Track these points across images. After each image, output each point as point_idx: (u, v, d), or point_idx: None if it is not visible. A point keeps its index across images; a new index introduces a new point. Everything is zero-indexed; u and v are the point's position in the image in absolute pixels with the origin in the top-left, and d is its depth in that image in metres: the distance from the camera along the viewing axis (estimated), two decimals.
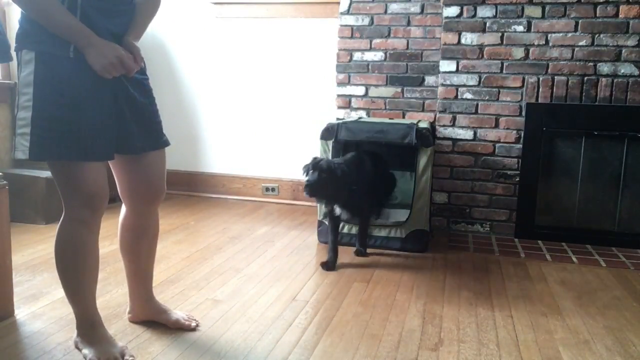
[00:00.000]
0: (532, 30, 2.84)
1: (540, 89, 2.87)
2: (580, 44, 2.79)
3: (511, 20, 2.86)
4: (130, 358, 1.53)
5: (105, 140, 1.44)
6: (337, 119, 3.25)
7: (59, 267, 1.51)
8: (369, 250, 2.64)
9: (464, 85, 2.97)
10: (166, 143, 1.64)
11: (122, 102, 1.48)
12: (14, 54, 1.45)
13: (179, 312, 1.81)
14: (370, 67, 3.37)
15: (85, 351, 1.53)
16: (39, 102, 1.34)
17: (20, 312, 1.85)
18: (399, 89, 3.35)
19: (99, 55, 1.36)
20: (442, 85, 3.01)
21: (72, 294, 1.53)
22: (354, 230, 2.72)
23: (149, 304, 1.78)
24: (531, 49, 2.85)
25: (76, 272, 1.50)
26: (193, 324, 1.77)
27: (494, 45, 2.90)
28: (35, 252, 2.50)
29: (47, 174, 3.00)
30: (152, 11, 1.59)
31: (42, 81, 1.34)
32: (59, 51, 1.35)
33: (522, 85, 2.89)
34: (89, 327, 1.56)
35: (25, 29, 1.37)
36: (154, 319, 1.77)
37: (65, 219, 1.47)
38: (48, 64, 1.34)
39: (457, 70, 2.97)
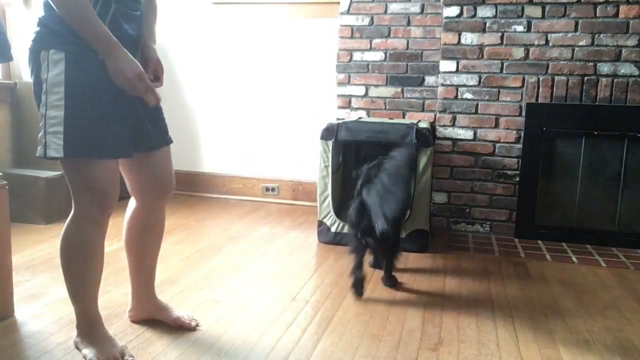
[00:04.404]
0: (532, 30, 2.84)
1: (540, 89, 2.87)
2: (580, 44, 2.79)
3: (511, 20, 2.86)
4: (130, 358, 1.53)
5: (127, 138, 1.47)
6: (337, 119, 3.25)
7: (64, 265, 1.51)
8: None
9: (464, 85, 2.97)
10: (171, 140, 1.68)
11: (137, 100, 1.50)
12: (14, 53, 1.45)
13: (180, 311, 1.81)
14: (370, 67, 3.37)
15: (85, 351, 1.53)
16: (70, 101, 1.36)
17: (20, 312, 1.85)
18: (399, 89, 3.35)
19: (119, 69, 1.38)
20: (442, 85, 3.01)
21: (74, 292, 1.54)
22: None
23: (151, 302, 1.79)
24: (531, 49, 2.86)
25: (81, 271, 1.51)
26: (193, 323, 1.77)
27: (494, 45, 2.90)
28: (35, 252, 2.50)
29: (47, 173, 3.00)
30: (155, 14, 1.64)
31: (73, 81, 1.36)
32: (88, 52, 1.37)
33: (522, 85, 2.89)
34: (89, 327, 1.56)
35: (52, 28, 1.38)
36: (155, 316, 1.78)
37: (75, 217, 1.48)
38: (78, 64, 1.37)
39: (457, 70, 2.97)
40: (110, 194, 1.46)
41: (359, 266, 2.10)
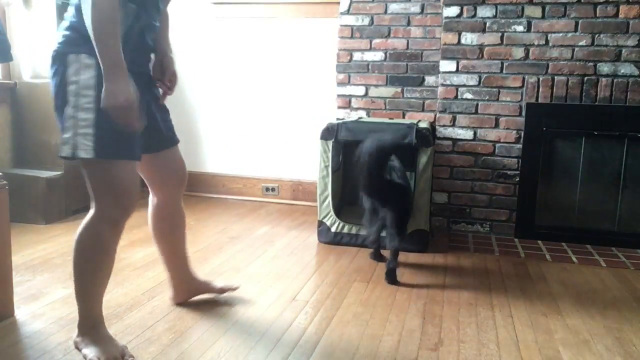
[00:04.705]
0: (532, 30, 2.84)
1: (540, 89, 2.87)
2: (580, 44, 2.79)
3: (511, 20, 2.86)
4: (130, 358, 1.53)
5: (140, 141, 1.54)
6: (337, 119, 3.25)
7: (76, 263, 1.53)
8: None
9: (464, 85, 2.97)
10: (178, 139, 1.79)
11: (152, 106, 1.62)
12: (14, 53, 1.46)
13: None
14: (370, 67, 3.38)
15: (86, 351, 1.53)
16: (100, 105, 1.39)
17: (20, 312, 1.85)
18: (399, 89, 3.35)
19: (113, 94, 1.36)
20: (442, 85, 3.01)
21: (82, 291, 1.56)
22: (354, 230, 2.73)
23: (193, 281, 1.95)
24: (531, 49, 2.86)
25: (94, 271, 1.54)
26: (235, 285, 2.05)
27: (494, 45, 2.90)
28: (35, 252, 2.50)
29: (47, 173, 3.00)
30: (168, 24, 1.77)
31: (102, 85, 1.39)
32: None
33: (522, 85, 2.89)
34: (92, 326, 1.57)
35: (84, 34, 1.40)
36: (199, 292, 1.98)
37: (94, 217, 1.50)
38: None
39: (457, 70, 2.97)
40: (132, 196, 1.51)
41: (376, 252, 2.52)
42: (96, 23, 1.34)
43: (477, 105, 2.97)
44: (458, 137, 3.02)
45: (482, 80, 2.94)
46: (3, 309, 1.79)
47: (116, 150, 1.44)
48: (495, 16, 2.88)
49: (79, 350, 1.56)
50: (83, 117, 1.40)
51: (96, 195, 1.49)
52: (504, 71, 2.91)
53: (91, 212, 1.50)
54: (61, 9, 3.00)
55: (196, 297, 2.03)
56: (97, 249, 1.52)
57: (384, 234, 2.67)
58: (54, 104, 1.45)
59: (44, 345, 1.63)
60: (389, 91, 3.37)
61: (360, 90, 3.41)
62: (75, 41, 1.42)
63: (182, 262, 1.92)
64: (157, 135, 1.66)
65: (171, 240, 1.86)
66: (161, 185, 1.77)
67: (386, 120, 3.04)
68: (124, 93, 1.36)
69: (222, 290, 2.02)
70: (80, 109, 1.40)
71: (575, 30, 2.79)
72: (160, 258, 1.90)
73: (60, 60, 1.43)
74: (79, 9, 1.41)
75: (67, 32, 1.44)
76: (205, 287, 2.00)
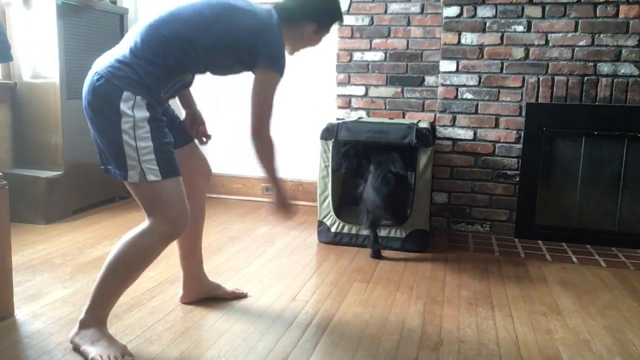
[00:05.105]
0: (532, 30, 2.84)
1: (540, 89, 2.87)
2: (580, 44, 2.79)
3: (511, 20, 2.86)
4: (130, 358, 1.54)
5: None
6: (337, 119, 3.25)
7: (115, 265, 1.56)
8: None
9: (464, 85, 2.97)
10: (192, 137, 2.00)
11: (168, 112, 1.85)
12: (14, 53, 1.46)
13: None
14: (370, 67, 3.38)
15: (87, 349, 1.54)
16: (154, 133, 1.55)
17: (20, 312, 1.85)
18: (399, 89, 3.35)
19: (282, 197, 1.85)
20: (442, 85, 3.01)
21: (107, 291, 1.59)
22: (354, 230, 2.73)
23: (204, 281, 2.00)
24: (531, 49, 2.85)
25: (128, 276, 1.59)
26: (245, 291, 2.08)
27: (494, 45, 2.90)
28: (35, 252, 2.50)
29: (47, 173, 3.00)
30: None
31: (152, 119, 1.56)
32: (155, 102, 1.59)
33: (522, 85, 2.89)
34: (96, 325, 1.58)
35: (144, 80, 1.53)
36: (210, 294, 2.00)
37: (149, 229, 1.56)
38: (153, 108, 1.57)
39: (457, 70, 2.97)
40: (187, 214, 1.60)
41: (375, 240, 2.58)
42: (266, 159, 1.81)
43: (477, 105, 2.97)
44: (458, 137, 3.02)
45: (482, 80, 2.94)
46: (3, 309, 1.79)
47: (173, 170, 1.58)
48: (495, 16, 2.88)
49: (78, 347, 1.56)
50: (143, 146, 1.52)
51: (153, 212, 1.56)
52: (504, 71, 2.91)
53: (147, 223, 1.56)
54: (61, 9, 3.00)
55: (197, 298, 2.03)
56: (141, 258, 1.57)
57: (383, 233, 2.68)
58: (100, 127, 1.54)
59: (44, 345, 1.63)
60: (389, 91, 3.37)
61: (360, 90, 3.41)
62: (135, 83, 1.52)
63: (198, 260, 1.98)
64: (175, 133, 1.77)
65: (195, 235, 1.94)
66: (190, 177, 1.84)
67: (386, 120, 3.04)
68: (287, 195, 1.86)
69: (233, 295, 2.04)
70: (139, 138, 1.52)
71: (575, 30, 2.79)
72: (178, 252, 1.95)
73: (112, 88, 1.50)
74: (146, 47, 1.54)
75: (126, 70, 1.52)
76: (216, 290, 2.03)
